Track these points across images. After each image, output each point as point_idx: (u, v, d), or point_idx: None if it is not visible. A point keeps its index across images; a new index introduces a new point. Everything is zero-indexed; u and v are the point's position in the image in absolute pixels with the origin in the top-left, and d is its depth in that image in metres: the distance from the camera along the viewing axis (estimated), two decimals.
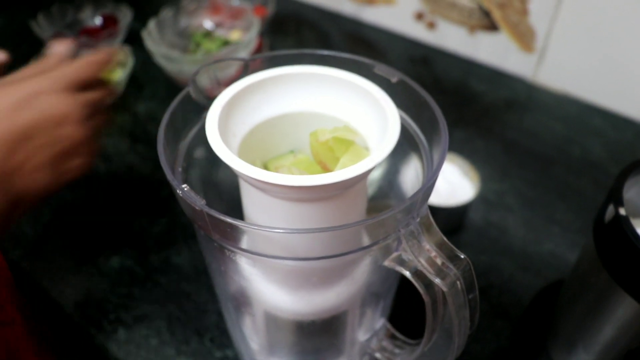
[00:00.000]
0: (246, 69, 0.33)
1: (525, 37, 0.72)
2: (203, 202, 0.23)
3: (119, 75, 0.69)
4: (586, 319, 0.38)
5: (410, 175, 0.32)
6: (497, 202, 0.59)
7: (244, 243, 0.24)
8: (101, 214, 0.57)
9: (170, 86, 0.74)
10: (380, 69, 0.31)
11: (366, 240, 0.25)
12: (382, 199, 0.38)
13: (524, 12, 0.70)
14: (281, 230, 0.23)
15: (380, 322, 0.36)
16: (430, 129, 0.30)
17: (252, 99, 0.30)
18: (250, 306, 0.32)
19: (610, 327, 0.35)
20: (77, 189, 0.60)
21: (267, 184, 0.24)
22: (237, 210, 0.38)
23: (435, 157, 0.29)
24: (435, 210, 0.52)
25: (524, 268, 0.53)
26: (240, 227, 0.23)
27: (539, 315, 0.47)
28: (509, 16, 0.72)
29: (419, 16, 0.80)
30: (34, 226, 0.56)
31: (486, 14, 0.73)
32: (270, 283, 0.29)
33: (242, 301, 0.33)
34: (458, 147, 0.65)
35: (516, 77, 0.76)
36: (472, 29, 0.76)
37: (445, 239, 0.26)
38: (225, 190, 0.38)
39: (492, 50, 0.76)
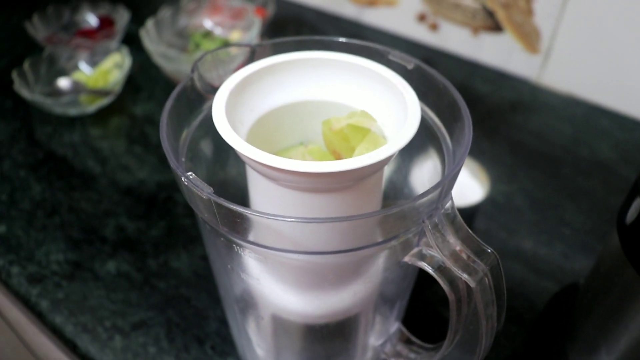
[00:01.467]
0: (252, 57, 0.31)
1: (529, 38, 0.71)
2: (210, 190, 0.21)
3: (115, 77, 0.68)
4: (609, 320, 0.36)
5: (428, 170, 0.31)
6: (506, 204, 0.57)
7: (254, 236, 0.23)
8: (97, 217, 0.55)
9: (168, 88, 0.72)
10: (395, 55, 0.30)
11: (385, 235, 0.23)
12: (394, 199, 0.37)
13: (529, 12, 0.69)
14: (295, 219, 0.21)
15: (394, 326, 0.34)
16: (449, 117, 0.28)
17: (261, 84, 0.28)
18: (258, 309, 0.30)
19: (636, 327, 0.33)
20: (72, 192, 0.57)
21: (280, 171, 0.22)
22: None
23: (456, 144, 0.27)
24: None
25: (535, 271, 0.51)
26: (251, 216, 0.21)
27: (555, 319, 0.45)
28: (514, 16, 0.71)
29: (422, 18, 0.79)
30: (26, 229, 0.53)
31: (490, 14, 0.72)
32: (281, 282, 0.27)
33: (249, 303, 0.31)
34: None
35: (520, 78, 0.75)
36: (476, 30, 0.75)
37: (470, 231, 0.24)
38: (226, 193, 0.36)
39: (496, 52, 0.75)
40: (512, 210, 0.57)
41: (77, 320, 0.46)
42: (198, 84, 0.30)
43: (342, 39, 0.31)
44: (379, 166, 0.23)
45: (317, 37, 0.31)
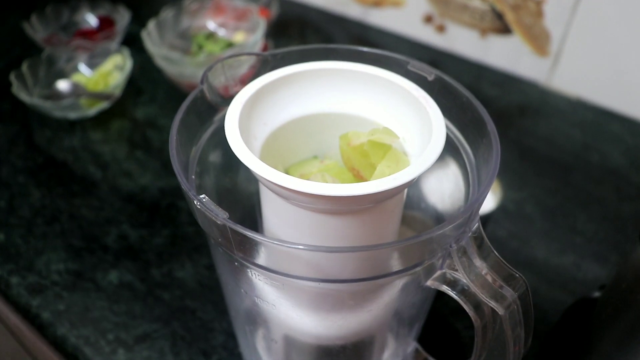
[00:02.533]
0: (265, 66, 0.30)
1: (539, 41, 0.70)
2: (226, 215, 0.20)
3: (116, 79, 0.66)
4: (630, 337, 0.35)
5: (448, 184, 0.29)
6: (517, 212, 0.56)
7: (270, 262, 0.21)
8: (98, 224, 0.53)
9: (170, 90, 0.70)
10: (415, 65, 0.28)
11: (410, 261, 0.22)
12: (409, 209, 0.35)
13: (539, 14, 0.68)
14: (317, 249, 0.19)
15: (411, 346, 0.33)
16: (473, 131, 0.27)
17: (274, 97, 0.27)
18: (271, 331, 0.29)
19: None
20: (73, 198, 0.56)
21: (298, 194, 0.21)
22: (250, 221, 0.34)
23: (482, 162, 0.26)
24: None
25: (548, 281, 0.50)
26: (269, 244, 0.20)
27: (570, 332, 0.44)
28: (523, 18, 0.69)
29: (428, 19, 0.77)
30: (26, 238, 0.52)
31: (499, 16, 0.71)
32: (297, 307, 0.26)
33: (261, 325, 0.29)
34: None
35: (529, 81, 0.74)
36: (484, 32, 0.73)
37: (498, 256, 0.23)
38: (235, 200, 0.35)
39: (505, 54, 0.74)
40: (523, 218, 0.55)
41: (79, 333, 0.45)
42: (208, 95, 0.28)
43: (359, 48, 0.30)
44: (402, 188, 0.22)
45: (332, 46, 0.30)
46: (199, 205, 0.21)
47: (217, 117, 0.29)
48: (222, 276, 0.29)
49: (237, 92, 0.27)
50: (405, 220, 0.38)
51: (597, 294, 0.45)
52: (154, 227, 0.53)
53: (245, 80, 0.29)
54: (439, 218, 0.34)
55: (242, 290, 0.27)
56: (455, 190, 0.28)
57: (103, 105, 0.65)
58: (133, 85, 0.70)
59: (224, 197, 0.32)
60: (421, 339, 0.35)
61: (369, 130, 0.25)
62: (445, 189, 0.30)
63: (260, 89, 0.26)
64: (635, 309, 0.34)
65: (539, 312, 0.48)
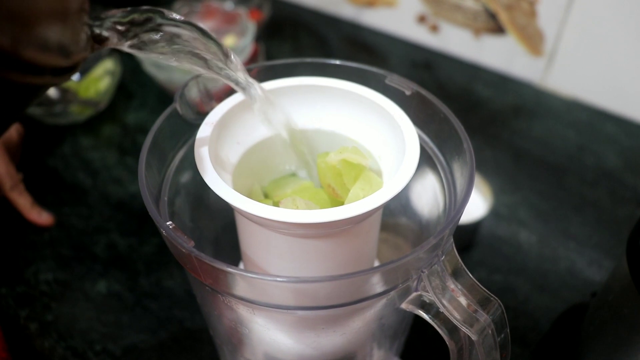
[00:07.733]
0: None
1: (533, 41, 0.69)
2: (191, 243, 0.20)
3: (106, 84, 0.66)
4: (618, 351, 0.34)
5: (427, 200, 0.29)
6: (509, 216, 0.56)
7: (242, 290, 0.21)
8: (87, 233, 0.53)
9: (162, 95, 0.70)
10: (393, 79, 0.28)
11: (383, 286, 0.21)
12: (390, 216, 0.35)
13: (533, 14, 0.67)
14: (286, 280, 0.19)
15: None
16: (451, 148, 0.26)
17: (247, 115, 0.26)
18: (251, 350, 0.29)
19: None
20: (61, 206, 0.56)
21: (271, 221, 0.20)
22: (231, 231, 0.34)
23: (458, 178, 0.25)
24: None
25: (540, 288, 0.49)
26: (237, 274, 0.20)
27: (561, 342, 0.43)
28: (517, 18, 0.68)
29: (422, 19, 0.77)
30: (14, 247, 0.52)
31: (492, 16, 0.70)
32: (273, 330, 0.26)
33: (240, 345, 0.29)
34: None
35: (523, 82, 0.73)
36: (477, 32, 0.73)
37: (472, 277, 0.23)
38: (218, 208, 0.34)
39: (499, 54, 0.73)
40: (516, 222, 0.55)
41: (66, 344, 0.45)
42: (183, 112, 0.28)
43: (335, 62, 0.29)
44: (373, 212, 0.21)
45: (307, 60, 0.29)
46: (165, 232, 0.20)
47: (191, 134, 0.29)
48: (198, 298, 0.28)
49: (210, 109, 0.27)
50: (391, 228, 0.38)
51: (588, 301, 0.45)
52: (143, 235, 0.53)
53: (220, 96, 0.28)
54: (423, 223, 0.33)
55: (216, 313, 0.26)
56: (434, 200, 0.28)
57: (93, 111, 0.65)
58: (123, 89, 0.70)
59: (201, 213, 0.31)
60: (404, 354, 0.35)
61: (340, 148, 0.24)
62: (424, 198, 0.29)
63: (232, 109, 0.25)
64: (623, 324, 0.33)
65: (531, 319, 0.47)
